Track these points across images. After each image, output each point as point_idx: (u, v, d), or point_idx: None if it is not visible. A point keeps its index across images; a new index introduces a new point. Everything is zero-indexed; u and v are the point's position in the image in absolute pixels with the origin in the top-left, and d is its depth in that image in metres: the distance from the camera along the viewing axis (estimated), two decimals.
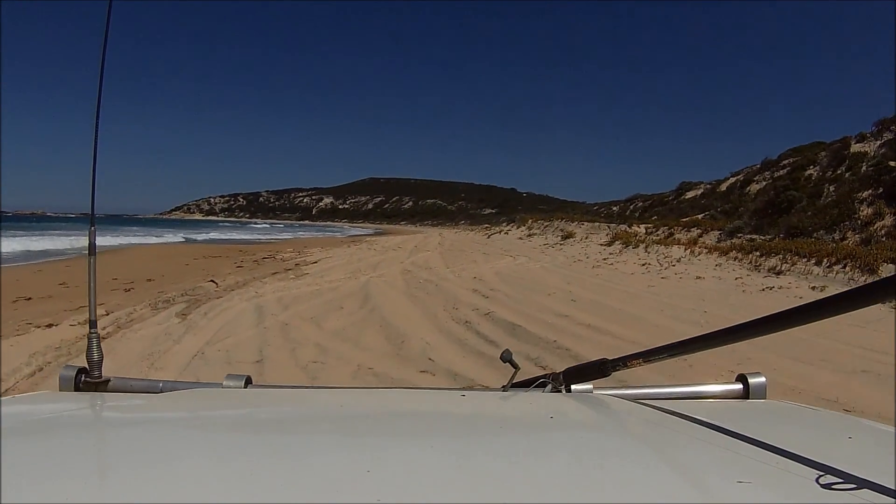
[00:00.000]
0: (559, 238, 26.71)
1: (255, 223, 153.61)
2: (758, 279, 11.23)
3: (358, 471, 0.59)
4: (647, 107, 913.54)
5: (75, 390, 1.08)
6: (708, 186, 44.03)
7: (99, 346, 1.14)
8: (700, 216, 29.00)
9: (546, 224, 31.42)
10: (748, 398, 1.12)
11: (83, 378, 1.10)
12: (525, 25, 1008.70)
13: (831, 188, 23.41)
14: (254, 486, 0.55)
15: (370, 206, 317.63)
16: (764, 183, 31.48)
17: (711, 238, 21.08)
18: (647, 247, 18.58)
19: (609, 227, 27.35)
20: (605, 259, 16.42)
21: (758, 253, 14.92)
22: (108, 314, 8.28)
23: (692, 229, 22.86)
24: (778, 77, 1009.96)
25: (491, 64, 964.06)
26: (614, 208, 57.30)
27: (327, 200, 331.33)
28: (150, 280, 12.90)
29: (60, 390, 1.08)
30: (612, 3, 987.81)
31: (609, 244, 21.42)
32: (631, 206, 54.96)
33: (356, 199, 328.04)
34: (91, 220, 1.23)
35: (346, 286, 10.89)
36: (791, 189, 23.31)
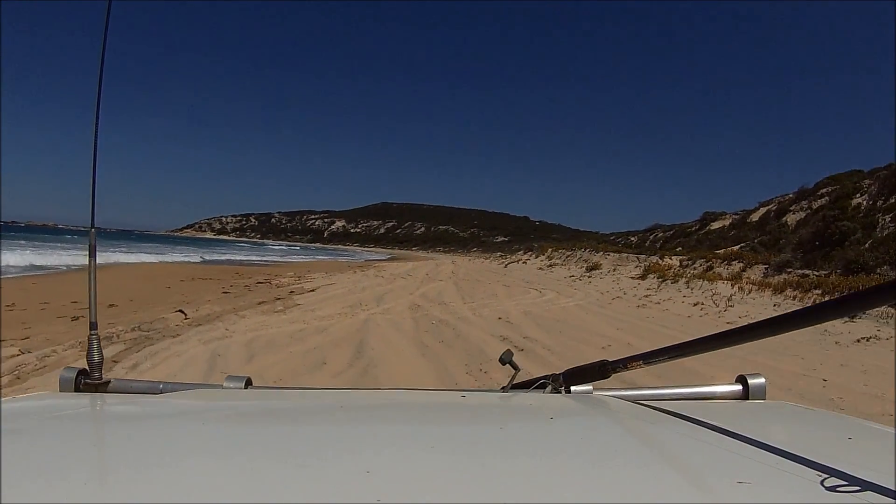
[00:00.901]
0: (584, 269, 24.57)
1: (272, 244, 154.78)
2: (838, 325, 9.08)
3: (358, 471, 0.59)
4: (663, 136, 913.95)
5: (75, 392, 1.07)
6: (736, 216, 42.05)
7: (99, 348, 1.14)
8: (736, 248, 26.89)
9: (568, 254, 29.28)
10: (748, 399, 1.11)
11: (83, 380, 1.10)
12: (540, 53, 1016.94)
13: (887, 218, 21.27)
14: (254, 486, 0.55)
15: (382, 230, 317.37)
16: (801, 213, 29.58)
17: (756, 273, 18.82)
18: (688, 281, 16.39)
19: (638, 258, 25.14)
20: (646, 296, 14.20)
21: (818, 291, 12.87)
22: (20, 353, 6.30)
23: (732, 262, 20.61)
24: (802, 103, 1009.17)
25: (506, 91, 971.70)
26: (632, 238, 55.51)
27: (339, 224, 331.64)
28: (112, 306, 10.89)
29: (61, 392, 1.07)
30: (625, 26, 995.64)
31: (642, 277, 19.33)
32: (651, 237, 53.18)
33: (368, 224, 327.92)
34: (91, 222, 1.22)
35: (339, 326, 8.70)
36: (842, 220, 21.12)
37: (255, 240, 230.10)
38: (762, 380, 1.13)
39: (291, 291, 15.11)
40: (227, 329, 8.40)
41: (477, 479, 0.60)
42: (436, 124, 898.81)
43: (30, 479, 0.56)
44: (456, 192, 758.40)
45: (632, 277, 20.20)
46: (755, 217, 37.75)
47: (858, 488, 0.57)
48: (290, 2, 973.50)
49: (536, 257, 32.38)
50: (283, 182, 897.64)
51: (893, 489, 0.56)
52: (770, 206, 37.62)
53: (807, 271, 17.39)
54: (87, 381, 1.10)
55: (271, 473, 0.59)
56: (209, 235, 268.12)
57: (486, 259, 54.63)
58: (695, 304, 12.04)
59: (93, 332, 1.17)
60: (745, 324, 0.86)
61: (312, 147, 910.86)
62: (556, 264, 27.26)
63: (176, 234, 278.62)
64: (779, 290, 14.12)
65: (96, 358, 1.13)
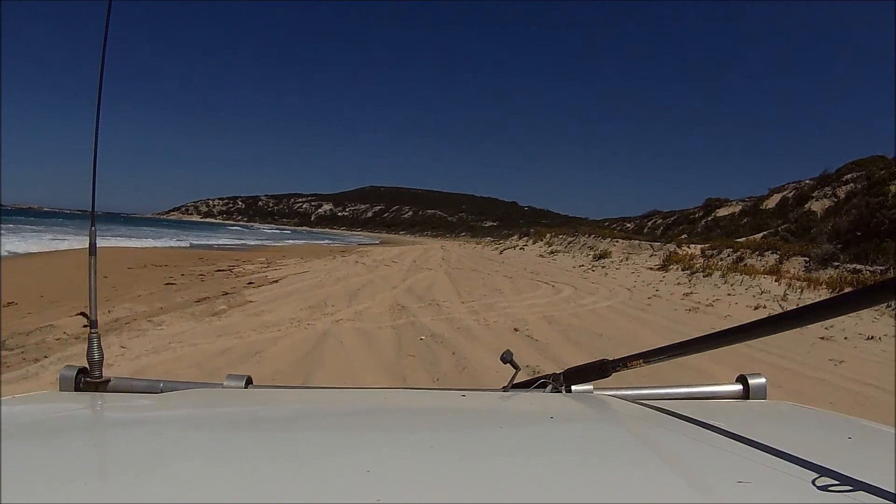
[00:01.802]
0: (591, 257, 22.00)
1: (265, 228, 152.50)
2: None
3: (358, 471, 0.59)
4: (652, 122, 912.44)
5: (75, 390, 1.07)
6: (745, 203, 39.70)
7: (99, 346, 1.13)
8: (758, 237, 24.46)
9: (570, 240, 26.64)
10: (748, 398, 1.11)
11: (83, 378, 1.09)
12: (528, 37, 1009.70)
13: None
14: (254, 486, 0.55)
15: (369, 214, 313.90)
16: (826, 200, 27.23)
17: (795, 266, 16.30)
18: (723, 275, 13.83)
19: (651, 245, 22.59)
20: (687, 294, 11.57)
21: None
22: None
23: (765, 253, 18.09)
24: (796, 92, 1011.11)
25: (493, 75, 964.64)
26: (628, 224, 53.22)
27: (326, 207, 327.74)
28: (10, 304, 8.26)
29: (61, 390, 1.07)
30: (614, 8, 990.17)
31: (662, 268, 16.81)
32: (649, 223, 51.02)
33: (356, 207, 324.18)
34: (91, 221, 1.22)
35: (284, 344, 6.00)
36: (892, 208, 18.66)
37: (247, 223, 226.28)
38: (763, 380, 1.12)
39: (250, 283, 12.41)
40: (121, 347, 5.74)
41: (477, 479, 0.59)
42: (424, 108, 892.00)
43: (30, 479, 0.56)
44: (444, 177, 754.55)
45: (650, 268, 17.67)
46: (769, 203, 35.46)
47: (858, 488, 0.56)
48: None
49: (534, 243, 29.71)
50: (271, 165, 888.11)
51: (894, 489, 0.56)
52: (785, 193, 35.42)
53: (857, 265, 14.98)
54: (88, 379, 1.09)
55: (271, 473, 0.59)
56: (196, 218, 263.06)
57: (478, 244, 51.85)
58: (755, 308, 9.42)
59: (93, 330, 1.15)
60: (745, 323, 0.85)
61: (300, 130, 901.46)
62: (557, 251, 24.64)
63: (162, 216, 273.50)
64: (834, 287, 11.64)
65: (97, 356, 1.12)
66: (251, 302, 9.21)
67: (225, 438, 0.76)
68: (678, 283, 13.22)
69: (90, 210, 1.24)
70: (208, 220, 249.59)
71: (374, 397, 1.11)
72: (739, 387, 1.12)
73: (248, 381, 1.13)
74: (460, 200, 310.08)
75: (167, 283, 11.98)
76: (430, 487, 0.56)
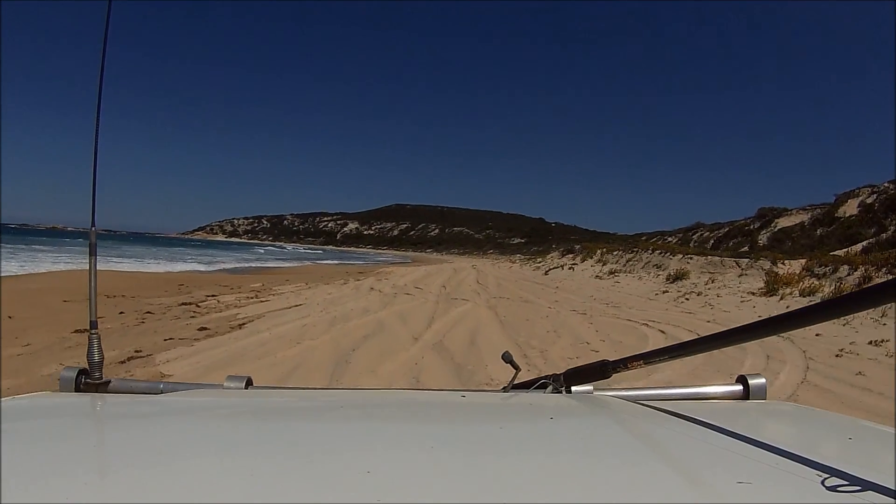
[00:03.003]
0: (661, 278, 17.62)
1: (290, 248, 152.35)
2: None
3: (358, 471, 0.59)
4: (678, 136, 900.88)
5: (76, 391, 1.07)
6: (812, 212, 34.95)
7: (100, 348, 1.13)
8: (857, 248, 19.97)
9: (628, 257, 22.15)
10: (748, 399, 1.10)
11: (84, 379, 1.09)
12: (554, 53, 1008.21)
13: None
14: (254, 486, 0.55)
15: (395, 232, 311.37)
16: None
17: None
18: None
19: (738, 263, 18.08)
20: (876, 343, 7.13)
21: None
22: None
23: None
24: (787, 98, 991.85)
25: (519, 92, 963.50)
26: (669, 238, 48.45)
27: (352, 226, 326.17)
28: None
29: (61, 391, 1.07)
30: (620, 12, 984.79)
31: (767, 293, 12.48)
32: (694, 236, 46.43)
33: (382, 225, 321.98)
34: (92, 221, 1.21)
35: None
36: None
37: (274, 243, 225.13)
38: (762, 380, 1.11)
39: (203, 328, 8.37)
40: None
41: (477, 479, 0.59)
42: (451, 125, 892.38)
43: (30, 479, 0.56)
44: (469, 194, 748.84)
45: (752, 293, 13.27)
46: (847, 210, 30.80)
47: (858, 488, 0.56)
48: (298, 2, 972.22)
49: (582, 261, 25.28)
50: (296, 184, 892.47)
51: (893, 489, 0.56)
52: (862, 198, 30.76)
53: None
54: (88, 380, 1.09)
55: (271, 473, 0.58)
56: (220, 238, 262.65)
57: (511, 263, 47.40)
58: None
59: (93, 331, 1.14)
60: (745, 323, 0.85)
61: (325, 149, 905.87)
62: (618, 271, 20.22)
63: (186, 236, 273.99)
64: None
65: (97, 357, 1.11)
66: (166, 376, 5.12)
67: (225, 439, 0.75)
68: (845, 324, 8.75)
69: (91, 211, 1.21)
70: (233, 239, 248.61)
71: (375, 398, 1.11)
72: (739, 387, 1.11)
73: (249, 382, 1.12)
74: (486, 217, 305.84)
75: (75, 331, 7.90)
76: (431, 488, 0.56)
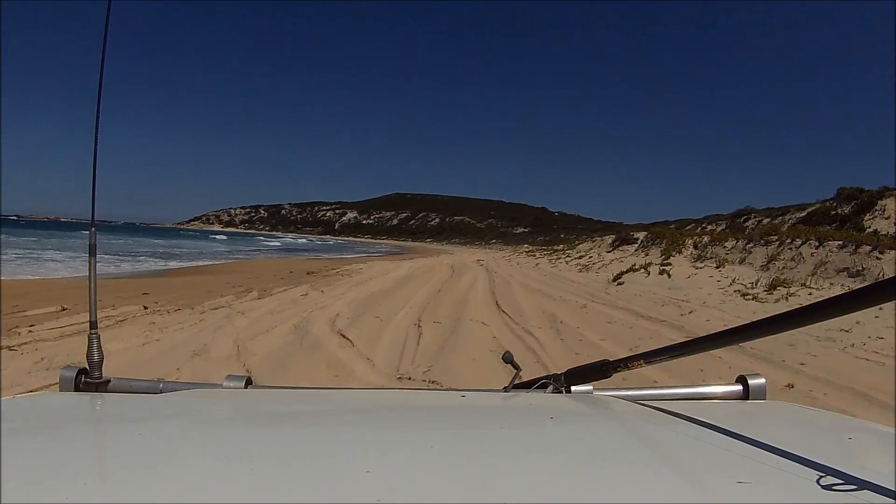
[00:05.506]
0: (763, 281, 11.90)
1: (281, 236, 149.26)
2: None
3: (358, 471, 0.59)
4: (690, 127, 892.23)
5: (75, 391, 1.06)
6: None
7: (99, 347, 1.12)
8: None
9: (768, 251, 15.21)
10: (748, 399, 1.10)
11: (83, 378, 1.08)
12: (553, 45, 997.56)
13: None
14: (254, 486, 0.55)
15: (395, 221, 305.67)
16: None
17: None
18: None
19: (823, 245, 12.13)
20: None
21: None
22: None
23: None
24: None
25: (519, 82, 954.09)
26: (709, 226, 41.97)
27: (351, 215, 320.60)
28: None
29: (60, 391, 1.06)
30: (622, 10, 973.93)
31: None
32: (748, 223, 39.54)
33: (381, 215, 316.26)
34: (91, 221, 1.21)
35: None
36: None
37: (271, 233, 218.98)
38: (762, 380, 1.11)
39: None
40: None
41: (477, 479, 0.60)
42: (452, 114, 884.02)
43: (30, 479, 0.56)
44: (470, 182, 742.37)
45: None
46: None
47: (858, 488, 0.56)
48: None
49: (668, 256, 17.20)
50: (294, 173, 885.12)
51: (893, 489, 0.56)
52: None
53: None
54: (88, 379, 1.08)
55: (271, 473, 0.59)
56: (217, 228, 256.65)
57: (518, 254, 41.42)
58: None
59: (93, 330, 1.14)
60: (746, 323, 0.85)
61: (324, 137, 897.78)
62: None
63: (182, 227, 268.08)
64: None
65: (96, 357, 1.11)
66: None
67: (224, 439, 0.75)
68: None
69: (90, 211, 1.21)
70: (229, 229, 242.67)
71: (374, 397, 1.12)
72: (739, 387, 1.10)
73: (248, 382, 1.12)
74: (488, 206, 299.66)
75: None
76: (431, 487, 0.56)
